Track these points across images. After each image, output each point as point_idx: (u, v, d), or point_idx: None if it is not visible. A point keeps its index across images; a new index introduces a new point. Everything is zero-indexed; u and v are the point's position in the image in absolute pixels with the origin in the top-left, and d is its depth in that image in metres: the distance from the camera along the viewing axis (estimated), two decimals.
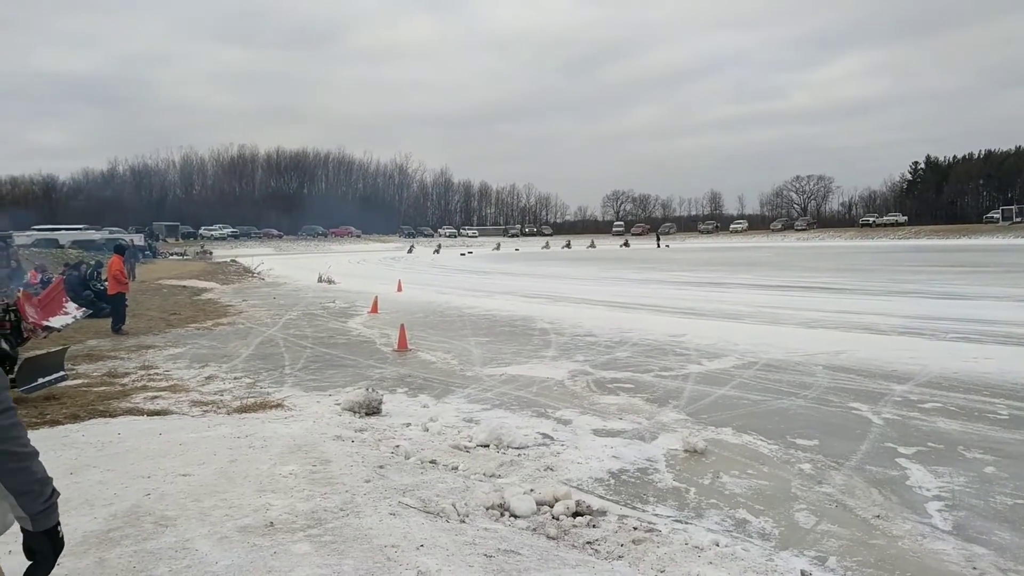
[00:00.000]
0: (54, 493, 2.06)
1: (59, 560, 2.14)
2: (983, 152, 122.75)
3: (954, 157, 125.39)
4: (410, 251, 75.57)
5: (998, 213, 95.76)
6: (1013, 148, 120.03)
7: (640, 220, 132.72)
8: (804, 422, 8.04)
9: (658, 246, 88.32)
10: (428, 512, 5.31)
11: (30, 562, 2.05)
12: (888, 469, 6.42)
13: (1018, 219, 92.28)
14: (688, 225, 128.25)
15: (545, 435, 7.52)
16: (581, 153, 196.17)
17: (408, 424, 7.95)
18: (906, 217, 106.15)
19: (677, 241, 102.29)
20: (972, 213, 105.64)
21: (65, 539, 2.15)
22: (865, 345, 13.03)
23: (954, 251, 58.17)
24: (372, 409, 8.42)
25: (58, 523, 2.07)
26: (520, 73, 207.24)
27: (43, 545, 2.04)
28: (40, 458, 2.03)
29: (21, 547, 2.06)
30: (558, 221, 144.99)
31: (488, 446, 7.08)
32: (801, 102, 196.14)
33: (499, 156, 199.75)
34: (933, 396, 9.09)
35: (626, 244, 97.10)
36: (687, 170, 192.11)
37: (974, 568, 4.51)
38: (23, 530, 2.05)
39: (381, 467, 6.37)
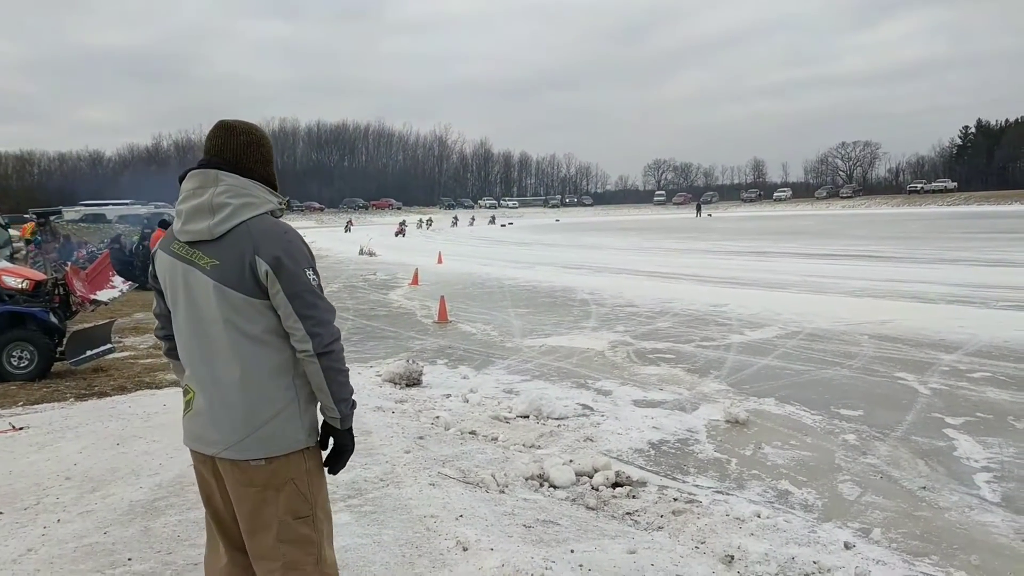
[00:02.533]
0: (354, 404, 2.71)
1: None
2: None
3: (1006, 121, 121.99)
4: (454, 223, 74.75)
5: None
6: None
7: (682, 189, 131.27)
8: (849, 392, 7.92)
9: (698, 215, 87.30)
10: (467, 483, 5.32)
11: (335, 453, 2.73)
12: (935, 440, 6.30)
13: None
14: (730, 194, 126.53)
15: (585, 406, 7.49)
16: (624, 122, 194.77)
17: (448, 395, 7.98)
18: (955, 183, 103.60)
19: (719, 210, 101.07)
20: None
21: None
22: (912, 314, 12.78)
23: (1005, 217, 56.74)
24: (412, 380, 8.46)
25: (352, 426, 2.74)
26: (566, 42, 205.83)
27: (346, 440, 2.72)
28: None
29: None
30: (598, 191, 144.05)
31: (528, 417, 7.08)
32: (853, 66, 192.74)
33: (540, 126, 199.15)
34: (982, 365, 8.89)
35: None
36: (731, 139, 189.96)
37: (1022, 539, 4.41)
38: (332, 429, 2.69)
39: (421, 438, 6.40)
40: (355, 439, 2.78)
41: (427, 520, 4.61)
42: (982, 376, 8.40)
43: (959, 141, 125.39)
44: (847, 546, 4.35)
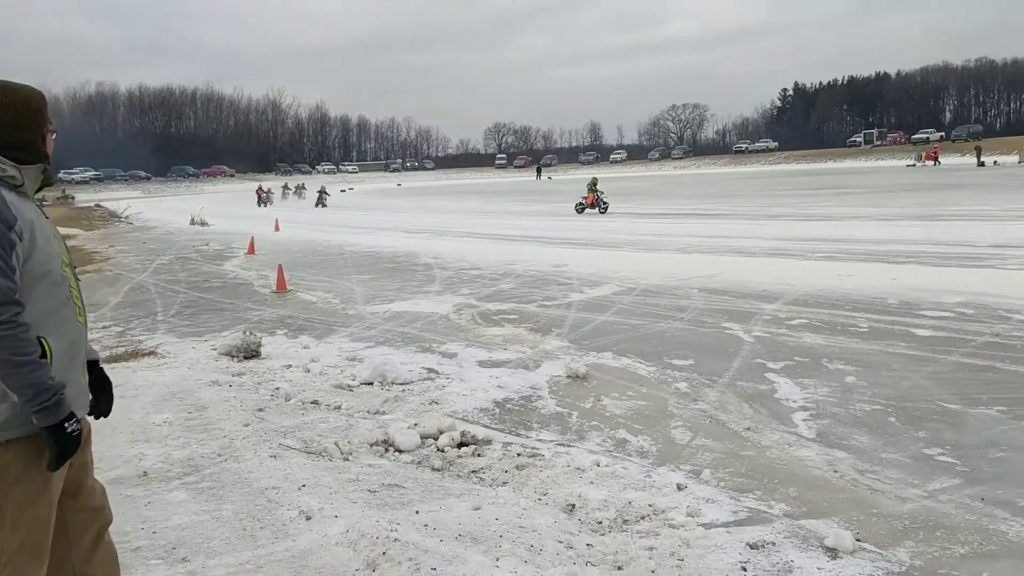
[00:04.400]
0: (52, 399, 2.35)
1: None
2: (846, 79, 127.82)
3: (820, 84, 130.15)
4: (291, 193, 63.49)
5: (860, 137, 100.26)
6: (873, 74, 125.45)
7: (522, 153, 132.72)
8: (680, 343, 8.30)
9: (539, 178, 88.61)
10: (310, 452, 5.24)
11: (49, 450, 2.40)
12: (758, 384, 6.71)
13: (879, 142, 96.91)
14: (569, 157, 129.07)
15: (430, 369, 7.51)
16: (465, 86, 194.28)
17: (289, 366, 7.79)
18: (776, 143, 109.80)
19: (559, 173, 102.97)
20: (837, 138, 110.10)
21: None
22: (738, 268, 13.51)
23: (821, 175, 60.74)
24: (250, 352, 8.21)
25: (64, 422, 2.38)
26: (403, 3, 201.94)
27: (56, 436, 2.37)
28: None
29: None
30: (440, 155, 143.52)
31: (372, 384, 7.02)
32: (681, 30, 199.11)
33: (379, 90, 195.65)
34: (800, 313, 9.52)
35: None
36: (569, 102, 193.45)
37: (835, 471, 4.78)
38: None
39: (261, 410, 6.24)
40: (73, 436, 2.41)
41: (268, 492, 4.51)
42: (799, 323, 8.99)
43: (779, 103, 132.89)
44: (679, 487, 4.58)
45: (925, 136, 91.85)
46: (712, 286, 11.67)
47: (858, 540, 3.87)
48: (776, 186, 46.69)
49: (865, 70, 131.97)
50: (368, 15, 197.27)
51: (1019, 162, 60.76)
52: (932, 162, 67.14)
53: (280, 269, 13.48)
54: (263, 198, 51.25)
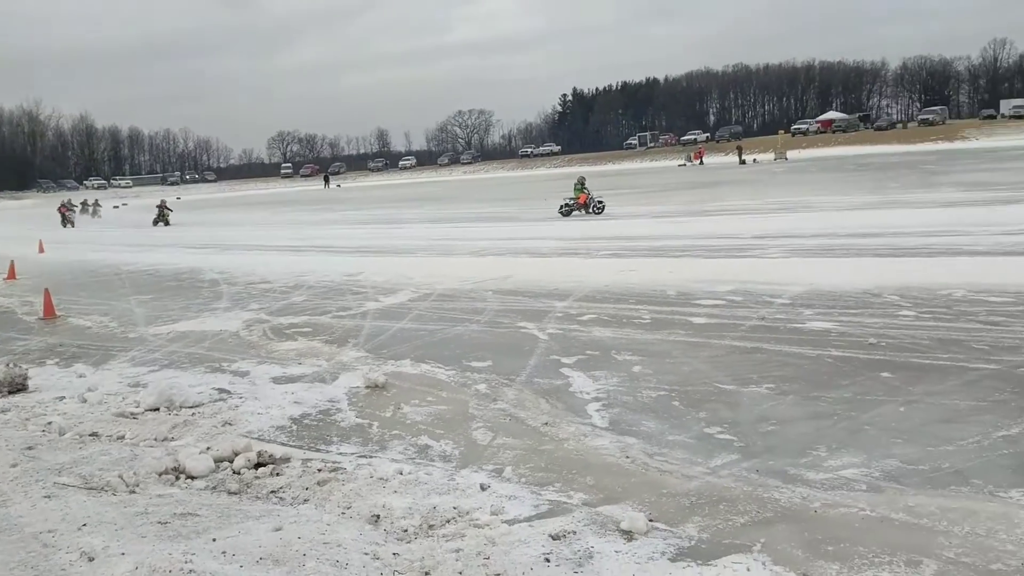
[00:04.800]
0: None
1: None
2: (620, 84, 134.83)
3: (597, 89, 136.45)
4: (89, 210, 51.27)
5: (635, 139, 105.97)
6: (644, 79, 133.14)
7: (308, 161, 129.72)
8: (478, 345, 8.43)
9: (327, 186, 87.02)
10: (91, 488, 4.86)
11: None
12: (554, 379, 6.93)
13: (652, 144, 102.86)
14: (358, 164, 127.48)
15: (221, 390, 7.17)
16: (246, 93, 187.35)
17: (62, 397, 7.20)
18: (560, 147, 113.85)
19: (348, 181, 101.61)
20: (615, 141, 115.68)
21: None
22: (530, 268, 13.90)
23: (602, 176, 63.56)
24: (15, 386, 7.50)
25: None
26: (171, 7, 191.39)
27: None
28: None
29: None
30: (221, 166, 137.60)
31: (158, 409, 6.62)
32: (465, 36, 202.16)
33: (151, 100, 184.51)
34: (589, 309, 9.92)
35: None
36: (355, 109, 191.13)
37: (627, 457, 5.03)
38: None
39: (30, 448, 5.72)
40: None
41: (43, 536, 4.14)
42: (589, 318, 9.38)
43: (560, 108, 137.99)
44: (483, 487, 4.64)
45: (693, 137, 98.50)
46: (506, 287, 11.93)
47: (651, 520, 4.08)
48: (561, 188, 48.31)
49: (637, 76, 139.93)
50: (138, 18, 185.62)
51: (775, 159, 66.45)
52: (699, 161, 72.17)
53: (47, 293, 12.42)
54: (67, 216, 41.44)
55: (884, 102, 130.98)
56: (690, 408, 5.95)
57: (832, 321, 8.40)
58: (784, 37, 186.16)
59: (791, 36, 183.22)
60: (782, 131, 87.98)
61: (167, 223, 36.35)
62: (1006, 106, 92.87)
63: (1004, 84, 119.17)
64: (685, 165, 71.86)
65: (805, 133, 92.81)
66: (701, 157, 73.75)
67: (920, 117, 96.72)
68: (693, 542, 3.88)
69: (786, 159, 65.83)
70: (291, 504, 4.58)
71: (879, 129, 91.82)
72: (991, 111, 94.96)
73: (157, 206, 38.08)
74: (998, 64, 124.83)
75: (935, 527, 3.88)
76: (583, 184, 26.66)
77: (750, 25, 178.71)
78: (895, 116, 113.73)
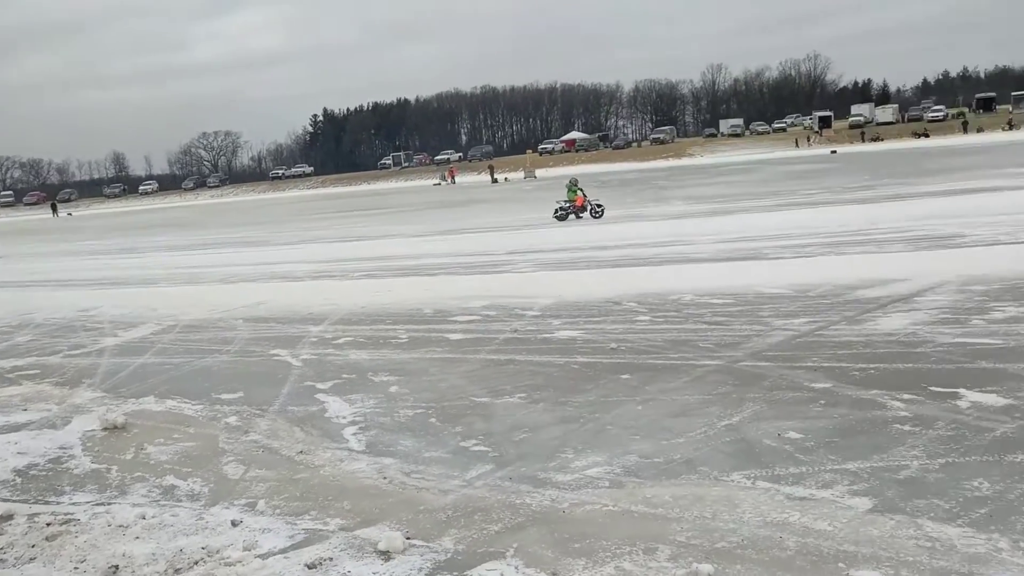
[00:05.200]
0: None
1: None
2: (372, 104, 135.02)
3: (349, 109, 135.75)
4: None
5: (390, 159, 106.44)
6: (395, 100, 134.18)
7: (33, 188, 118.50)
8: (228, 376, 8.08)
9: (55, 215, 79.92)
10: None
11: None
12: (309, 406, 6.79)
13: (407, 164, 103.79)
14: (91, 190, 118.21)
15: None
16: None
17: None
18: (312, 168, 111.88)
19: (81, 208, 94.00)
20: (369, 161, 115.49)
21: None
22: (283, 293, 13.53)
23: (356, 197, 63.30)
24: None
25: None
26: None
27: None
28: None
29: None
30: None
31: None
32: (204, 54, 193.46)
33: None
34: (345, 331, 9.81)
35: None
36: (87, 132, 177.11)
37: (384, 478, 5.02)
38: None
39: None
40: None
41: None
42: (345, 341, 9.28)
43: (311, 129, 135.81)
44: (234, 523, 4.45)
45: (446, 157, 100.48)
46: (258, 314, 11.53)
47: (408, 538, 4.10)
48: (315, 210, 47.64)
49: (389, 96, 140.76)
50: None
51: (524, 178, 69.17)
52: (451, 180, 73.69)
53: None
54: None
55: (621, 122, 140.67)
56: (447, 423, 6.05)
57: (578, 329, 8.86)
58: (528, 60, 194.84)
59: (534, 59, 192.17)
60: (530, 150, 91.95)
61: None
62: (725, 125, 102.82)
63: (723, 105, 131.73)
64: (440, 184, 73.06)
65: (551, 152, 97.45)
66: (453, 176, 75.33)
67: (652, 136, 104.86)
68: (449, 555, 3.94)
69: (535, 177, 68.70)
70: (14, 565, 4.15)
71: (617, 148, 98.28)
72: (712, 130, 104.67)
73: None
74: (716, 87, 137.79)
75: (668, 515, 4.19)
76: (576, 185, 25.23)
77: (495, 48, 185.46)
78: (631, 136, 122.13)
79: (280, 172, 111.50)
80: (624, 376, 6.91)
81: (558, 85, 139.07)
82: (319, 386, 7.41)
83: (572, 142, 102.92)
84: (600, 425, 5.72)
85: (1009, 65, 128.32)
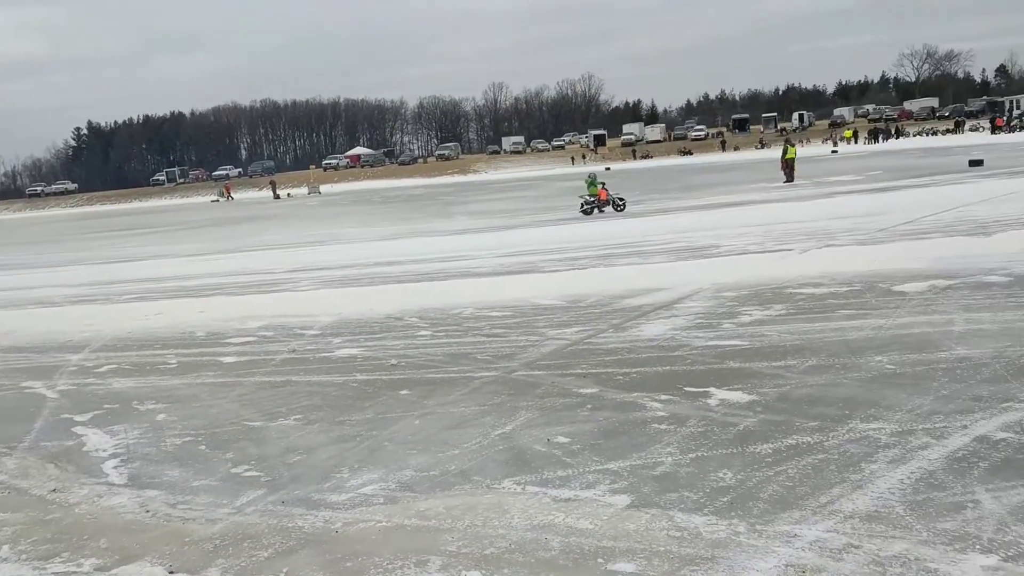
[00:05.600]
0: None
1: None
2: (142, 117, 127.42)
3: (117, 122, 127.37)
4: None
5: (163, 175, 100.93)
6: (168, 113, 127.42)
7: None
8: None
9: None
10: None
11: None
12: (64, 440, 6.31)
13: (182, 180, 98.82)
14: None
15: None
16: None
17: None
18: (76, 185, 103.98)
19: None
20: (141, 177, 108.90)
21: None
22: (39, 320, 12.48)
23: (127, 215, 59.49)
24: None
25: None
26: None
27: None
28: None
29: None
30: None
31: None
32: None
33: None
34: (109, 359, 9.20)
35: None
36: None
37: (147, 511, 4.76)
38: None
39: None
40: None
41: None
42: (108, 369, 8.70)
43: (74, 143, 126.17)
44: None
45: (225, 172, 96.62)
46: (9, 344, 10.57)
47: (171, 572, 3.93)
48: (80, 230, 44.32)
49: (161, 109, 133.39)
50: None
51: (308, 193, 67.84)
52: (229, 196, 70.93)
53: None
54: None
55: (406, 138, 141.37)
56: (217, 450, 5.82)
57: (359, 347, 8.81)
58: (310, 75, 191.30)
59: (317, 74, 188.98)
60: (313, 166, 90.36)
61: None
62: (507, 142, 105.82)
63: (505, 123, 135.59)
64: (219, 201, 70.16)
65: (336, 168, 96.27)
66: (229, 192, 72.56)
67: (437, 152, 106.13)
68: None
69: (319, 193, 67.63)
70: None
71: (403, 164, 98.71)
72: (496, 147, 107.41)
73: None
74: (498, 105, 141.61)
75: (441, 526, 4.27)
76: (595, 179, 25.84)
77: (275, 62, 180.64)
78: (416, 151, 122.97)
79: (39, 189, 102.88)
80: (403, 392, 6.95)
81: (342, 100, 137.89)
82: (77, 418, 6.90)
83: (357, 157, 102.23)
84: (377, 442, 5.72)
85: (760, 89, 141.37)
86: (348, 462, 5.35)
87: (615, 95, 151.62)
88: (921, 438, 4.94)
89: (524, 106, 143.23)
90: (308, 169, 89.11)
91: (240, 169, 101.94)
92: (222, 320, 11.05)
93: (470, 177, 77.99)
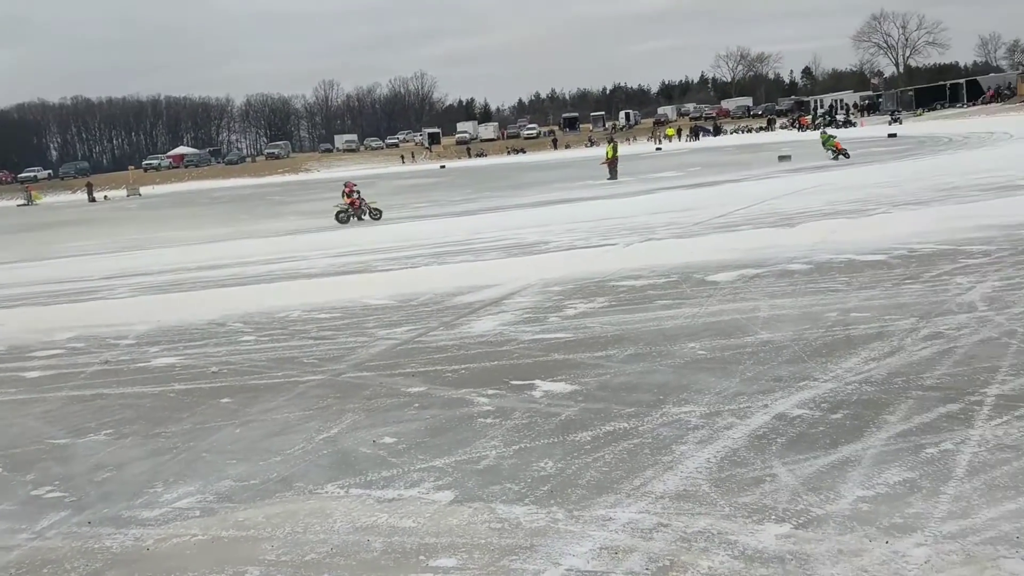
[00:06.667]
0: None
1: None
2: None
3: None
4: None
5: None
6: None
7: None
8: None
9: None
10: None
11: None
12: None
13: None
14: None
15: None
16: None
17: None
18: None
19: None
20: None
21: None
22: None
23: None
24: None
25: None
26: None
27: None
28: None
29: None
30: None
31: None
32: None
33: None
34: None
35: None
36: None
37: None
38: None
39: None
40: None
41: None
42: None
43: None
44: None
45: (32, 174, 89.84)
46: None
47: None
48: None
49: None
50: None
51: (128, 196, 64.29)
52: (30, 200, 66.03)
53: None
54: None
55: (234, 137, 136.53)
56: (16, 472, 5.42)
57: (178, 355, 8.43)
58: (127, 72, 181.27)
59: (134, 71, 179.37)
60: (132, 167, 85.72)
61: None
62: (340, 140, 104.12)
63: (337, 121, 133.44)
64: (28, 205, 65.27)
65: (157, 168, 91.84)
66: (31, 194, 67.54)
67: (267, 151, 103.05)
68: None
69: (139, 195, 64.28)
70: None
71: (230, 163, 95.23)
72: (328, 145, 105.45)
73: None
74: (329, 103, 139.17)
75: (260, 535, 4.15)
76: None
77: (87, 58, 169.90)
78: (244, 151, 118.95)
79: None
80: (224, 400, 6.71)
81: (162, 98, 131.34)
82: None
83: (180, 157, 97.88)
84: (195, 454, 5.49)
85: (589, 88, 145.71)
86: (163, 476, 5.11)
87: (448, 93, 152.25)
88: (727, 419, 5.24)
89: (357, 104, 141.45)
90: (127, 170, 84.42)
91: (50, 171, 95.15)
92: (26, 333, 10.28)
93: (302, 176, 76.22)
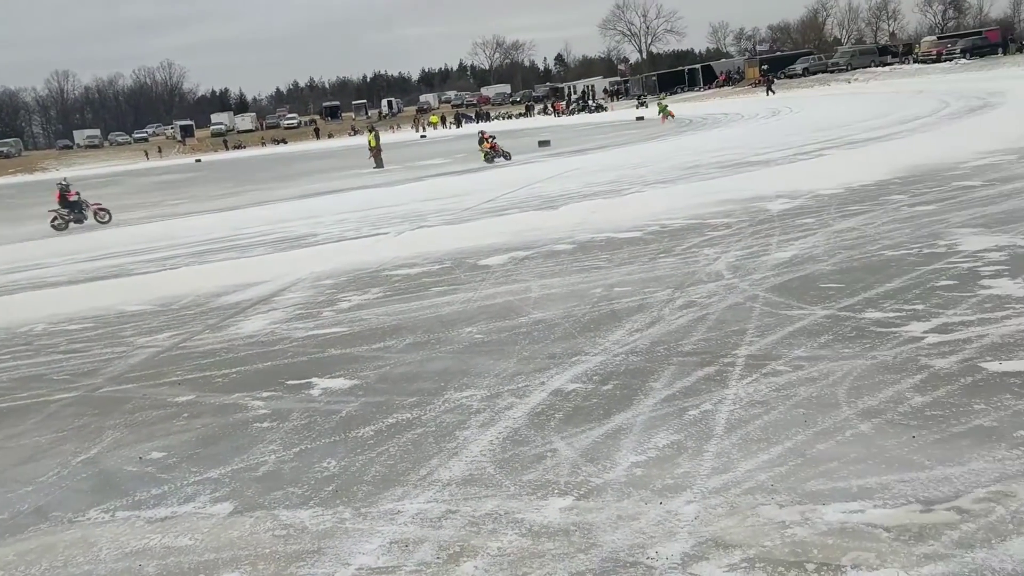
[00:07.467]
0: None
1: None
2: None
3: None
4: None
5: None
6: None
7: None
8: None
9: None
10: None
11: None
12: None
13: None
14: None
15: None
16: None
17: None
18: None
19: None
20: None
21: None
22: None
23: None
24: None
25: None
26: None
27: None
28: None
29: None
30: None
31: None
32: None
33: None
34: None
35: None
36: None
37: None
38: None
39: None
40: None
41: None
42: None
43: None
44: None
45: None
46: None
47: None
48: None
49: None
50: None
51: None
52: None
53: None
54: None
55: None
56: None
57: None
58: None
59: None
60: None
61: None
62: (80, 136, 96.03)
63: (76, 115, 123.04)
64: None
65: None
66: None
67: None
68: None
69: None
70: None
71: None
72: (67, 142, 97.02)
73: None
74: (65, 95, 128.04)
75: (14, 574, 3.74)
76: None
77: None
78: None
79: None
80: None
81: None
82: None
83: None
84: None
85: (349, 77, 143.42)
86: None
87: (200, 84, 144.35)
88: (507, 399, 5.36)
89: (97, 96, 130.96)
90: None
91: None
92: None
93: (38, 176, 69.51)
